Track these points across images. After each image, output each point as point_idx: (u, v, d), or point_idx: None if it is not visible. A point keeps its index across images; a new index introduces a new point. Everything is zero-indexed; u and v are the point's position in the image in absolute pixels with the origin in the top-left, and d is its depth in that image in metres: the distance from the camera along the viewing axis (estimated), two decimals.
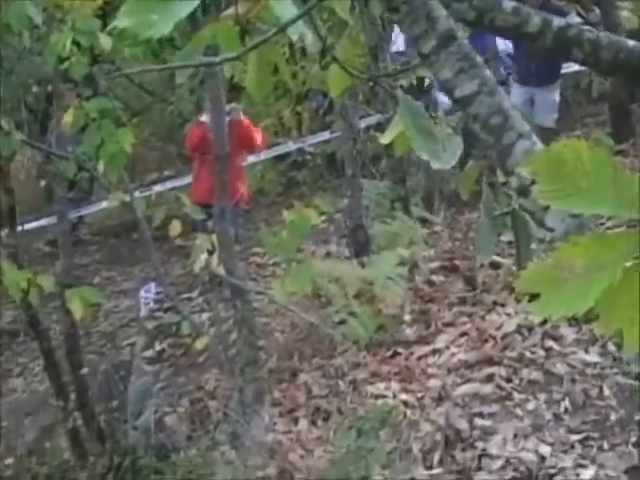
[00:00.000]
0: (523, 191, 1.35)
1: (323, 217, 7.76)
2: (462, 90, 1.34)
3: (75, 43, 5.81)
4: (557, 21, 1.73)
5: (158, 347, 8.31)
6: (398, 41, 9.36)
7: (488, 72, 1.38)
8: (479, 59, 1.36)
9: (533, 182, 1.25)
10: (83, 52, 6.07)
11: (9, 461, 7.84)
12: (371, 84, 6.72)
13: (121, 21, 1.13)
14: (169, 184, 11.54)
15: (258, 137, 9.26)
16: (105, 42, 5.88)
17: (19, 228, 7.88)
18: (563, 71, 10.69)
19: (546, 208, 1.30)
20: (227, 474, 5.98)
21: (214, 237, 6.61)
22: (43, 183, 11.40)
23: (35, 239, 11.72)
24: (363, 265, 7.89)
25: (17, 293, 5.89)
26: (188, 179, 10.30)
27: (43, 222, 11.00)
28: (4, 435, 8.46)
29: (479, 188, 3.96)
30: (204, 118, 9.05)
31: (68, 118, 6.48)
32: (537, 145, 1.35)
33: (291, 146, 12.16)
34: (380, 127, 9.67)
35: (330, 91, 2.89)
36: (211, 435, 6.63)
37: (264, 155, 11.59)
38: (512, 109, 1.36)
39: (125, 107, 9.24)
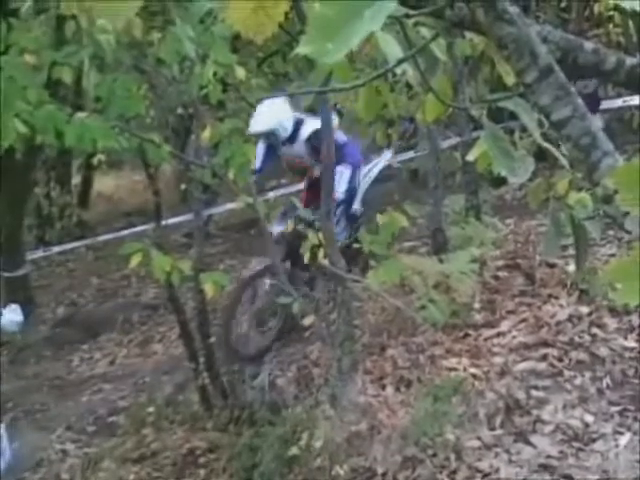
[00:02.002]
0: (607, 200, 1.34)
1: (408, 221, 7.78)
2: (558, 115, 1.34)
3: (213, 74, 5.88)
4: (629, 60, 1.72)
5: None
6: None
7: (579, 100, 1.37)
8: (573, 89, 1.36)
9: (616, 192, 1.24)
10: (218, 81, 6.14)
11: (151, 409, 7.94)
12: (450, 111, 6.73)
13: (302, 49, 1.15)
14: (282, 190, 11.59)
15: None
16: (240, 73, 5.95)
17: (163, 223, 7.99)
18: (608, 106, 10.63)
19: (626, 213, 1.29)
20: (327, 428, 6.00)
21: (320, 234, 6.61)
22: (182, 187, 11.50)
23: (173, 232, 11.84)
24: (441, 261, 7.86)
25: (162, 274, 5.98)
26: (298, 187, 10.31)
27: (180, 218, 11.12)
28: (147, 388, 8.59)
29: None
30: None
31: (206, 134, 6.56)
32: (619, 162, 1.34)
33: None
34: (456, 148, 9.67)
35: (425, 117, 2.89)
36: (314, 396, 6.65)
37: None
38: (599, 131, 1.35)
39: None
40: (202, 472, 6.83)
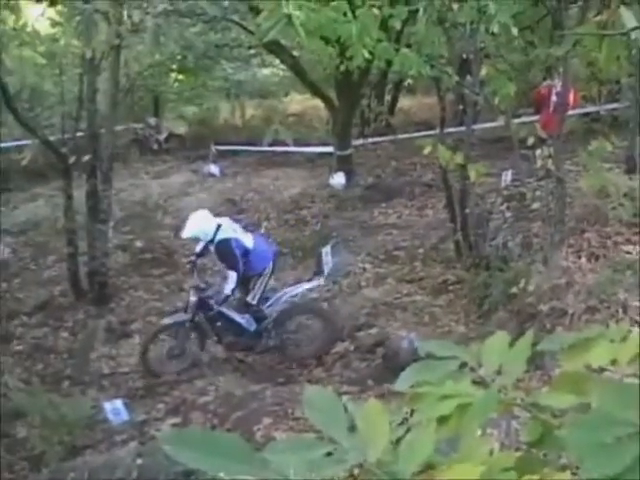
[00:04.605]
0: None
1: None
2: None
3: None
4: None
5: (506, 205, 8.30)
6: None
7: None
8: None
9: None
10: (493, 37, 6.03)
11: (421, 250, 8.29)
12: None
13: None
14: (524, 118, 11.21)
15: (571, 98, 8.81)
16: (514, 31, 5.84)
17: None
18: None
19: None
20: (538, 278, 6.04)
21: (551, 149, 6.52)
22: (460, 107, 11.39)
23: (447, 138, 11.80)
24: (630, 179, 7.56)
25: (444, 160, 6.19)
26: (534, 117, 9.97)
27: (452, 129, 11.03)
28: (420, 237, 8.92)
29: None
30: (551, 84, 9.01)
31: (482, 72, 6.56)
32: None
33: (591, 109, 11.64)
34: None
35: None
36: (531, 257, 6.67)
37: (574, 111, 11.02)
38: None
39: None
40: (451, 295, 7.12)
